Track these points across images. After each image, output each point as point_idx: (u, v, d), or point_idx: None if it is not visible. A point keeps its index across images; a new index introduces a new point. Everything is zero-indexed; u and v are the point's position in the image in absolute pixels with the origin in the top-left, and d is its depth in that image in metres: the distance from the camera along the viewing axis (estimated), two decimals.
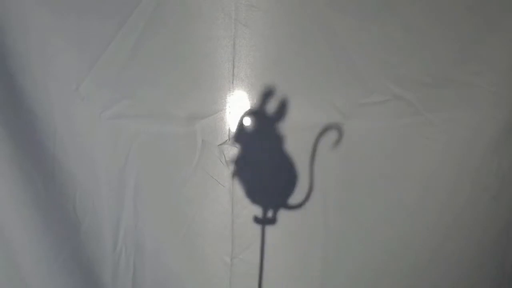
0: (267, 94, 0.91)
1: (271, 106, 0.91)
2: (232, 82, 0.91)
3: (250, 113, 0.92)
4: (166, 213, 0.98)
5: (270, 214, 0.97)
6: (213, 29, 0.89)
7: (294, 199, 0.96)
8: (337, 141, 0.93)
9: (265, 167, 0.96)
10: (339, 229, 0.98)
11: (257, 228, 0.98)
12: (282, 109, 0.91)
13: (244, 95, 0.92)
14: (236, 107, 0.93)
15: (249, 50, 0.90)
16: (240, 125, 0.92)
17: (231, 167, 0.95)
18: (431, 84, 0.92)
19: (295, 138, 0.94)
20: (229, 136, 0.94)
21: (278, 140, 0.93)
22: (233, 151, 0.94)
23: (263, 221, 0.97)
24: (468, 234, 1.00)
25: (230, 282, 1.00)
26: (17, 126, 0.91)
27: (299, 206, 0.96)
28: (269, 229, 0.98)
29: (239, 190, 0.97)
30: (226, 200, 0.97)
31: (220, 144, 0.94)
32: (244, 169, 0.95)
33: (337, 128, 0.92)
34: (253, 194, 0.97)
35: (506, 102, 0.93)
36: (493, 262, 1.03)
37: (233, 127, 0.93)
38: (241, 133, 0.93)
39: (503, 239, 1.02)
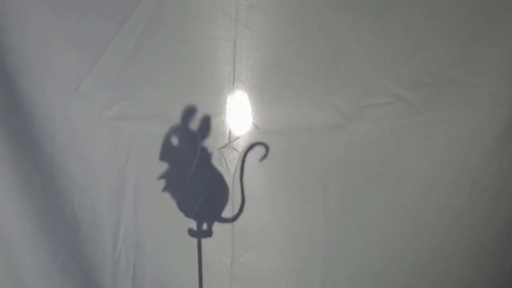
0: (189, 112, 0.91)
1: (195, 123, 0.92)
2: (233, 85, 0.91)
3: (174, 131, 0.92)
4: (166, 213, 0.98)
5: (205, 226, 0.97)
6: (213, 29, 0.89)
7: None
8: (263, 157, 0.93)
9: (194, 182, 0.96)
10: (339, 229, 0.98)
11: (257, 231, 0.98)
12: (206, 125, 0.92)
13: (244, 97, 0.92)
14: (237, 110, 0.92)
15: (250, 51, 0.90)
16: (165, 142, 0.93)
17: (232, 170, 0.95)
18: (431, 84, 0.92)
19: (296, 139, 0.94)
20: (229, 139, 0.94)
21: (205, 155, 0.94)
22: (233, 154, 0.94)
23: (198, 234, 0.97)
24: (468, 234, 1.00)
25: (230, 284, 1.00)
26: (16, 126, 0.91)
27: (233, 219, 0.96)
28: (270, 229, 0.98)
29: (239, 193, 0.96)
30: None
31: (221, 148, 0.94)
32: (173, 185, 0.96)
33: (264, 145, 0.93)
34: (186, 208, 0.97)
35: (506, 102, 0.93)
36: (493, 262, 1.03)
37: (233, 130, 0.93)
38: (167, 151, 0.93)
39: (503, 239, 1.02)
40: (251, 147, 0.93)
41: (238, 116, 0.93)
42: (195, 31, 0.90)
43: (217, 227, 0.98)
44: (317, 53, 0.91)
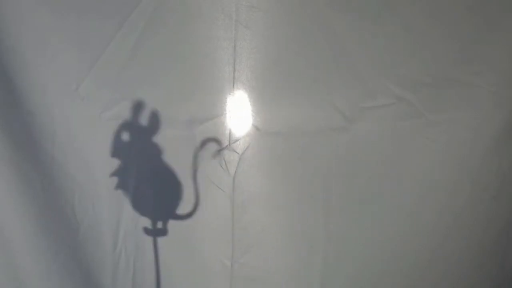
0: (137, 107, 0.90)
1: (144, 119, 0.91)
2: (233, 86, 0.91)
3: (124, 126, 0.92)
4: None
5: (160, 225, 0.97)
6: (213, 29, 0.89)
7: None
8: (216, 154, 0.93)
9: (147, 179, 0.95)
10: (339, 229, 0.98)
11: (258, 231, 0.98)
12: (155, 121, 0.91)
13: (245, 98, 0.92)
14: (237, 111, 0.92)
15: (250, 52, 0.90)
16: (116, 139, 0.92)
17: (232, 172, 0.95)
18: (431, 84, 0.92)
19: (296, 140, 0.94)
20: (229, 141, 0.93)
21: (156, 151, 0.93)
22: (233, 156, 0.94)
23: (153, 233, 0.96)
24: (468, 234, 1.00)
25: (230, 285, 0.99)
26: (16, 126, 0.91)
27: (187, 216, 0.96)
28: (270, 230, 0.98)
29: (239, 195, 0.96)
30: (227, 205, 0.97)
31: (220, 149, 0.94)
32: (126, 182, 0.95)
33: (217, 141, 0.92)
34: (140, 207, 0.96)
35: (506, 102, 0.93)
36: (493, 262, 1.03)
37: (234, 132, 0.93)
38: (118, 147, 0.92)
39: (503, 239, 1.02)
40: (204, 142, 0.92)
41: (238, 117, 0.93)
42: (195, 31, 0.89)
43: (217, 229, 0.98)
44: (317, 53, 0.91)
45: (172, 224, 0.98)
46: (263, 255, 0.99)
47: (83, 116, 0.93)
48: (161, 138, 0.93)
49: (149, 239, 0.99)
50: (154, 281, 0.99)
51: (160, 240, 0.99)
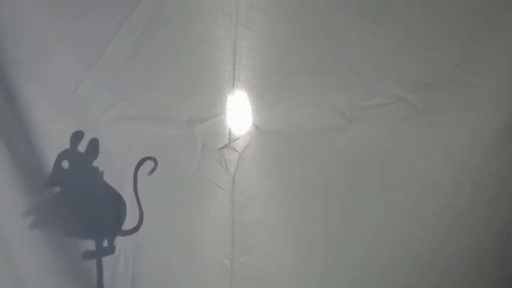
0: (77, 137, 0.90)
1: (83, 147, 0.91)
2: (233, 85, 0.91)
3: (64, 154, 0.91)
4: (166, 216, 0.98)
5: (105, 243, 0.95)
6: (213, 29, 0.89)
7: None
8: (152, 171, 0.93)
9: (87, 202, 0.94)
10: (339, 229, 0.98)
11: (257, 231, 0.98)
12: (94, 147, 0.91)
13: (245, 97, 0.92)
14: (237, 111, 0.92)
15: (250, 52, 0.90)
16: (56, 166, 0.90)
17: (232, 171, 0.95)
18: (431, 84, 0.93)
19: (296, 139, 0.94)
20: (229, 139, 0.93)
21: (97, 174, 0.92)
22: (233, 155, 0.94)
23: (99, 254, 0.94)
24: (468, 234, 1.00)
25: (230, 285, 0.99)
26: (16, 126, 0.91)
27: (134, 230, 0.95)
28: (270, 229, 0.98)
29: (239, 194, 0.96)
30: (227, 204, 0.97)
31: (220, 148, 0.94)
32: (67, 208, 0.93)
33: (153, 160, 0.92)
34: (80, 230, 0.94)
35: (506, 102, 0.93)
36: (493, 262, 1.03)
37: (233, 131, 0.93)
38: (58, 175, 0.91)
39: (503, 239, 1.02)
40: (141, 162, 0.92)
41: (238, 116, 0.93)
42: (195, 31, 0.90)
43: (216, 228, 0.98)
44: (317, 53, 0.91)
45: (171, 224, 0.98)
46: (263, 255, 0.99)
47: (83, 116, 0.93)
48: (161, 138, 0.93)
49: (149, 241, 0.99)
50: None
51: (161, 240, 0.99)
